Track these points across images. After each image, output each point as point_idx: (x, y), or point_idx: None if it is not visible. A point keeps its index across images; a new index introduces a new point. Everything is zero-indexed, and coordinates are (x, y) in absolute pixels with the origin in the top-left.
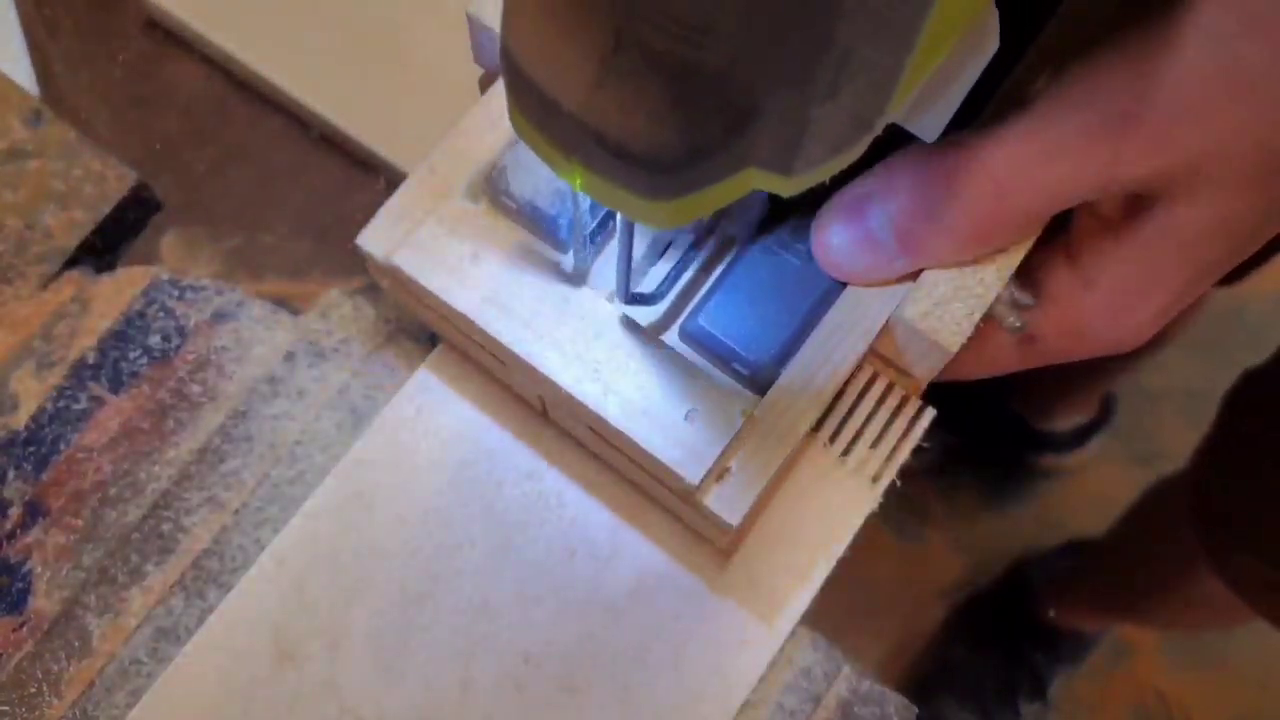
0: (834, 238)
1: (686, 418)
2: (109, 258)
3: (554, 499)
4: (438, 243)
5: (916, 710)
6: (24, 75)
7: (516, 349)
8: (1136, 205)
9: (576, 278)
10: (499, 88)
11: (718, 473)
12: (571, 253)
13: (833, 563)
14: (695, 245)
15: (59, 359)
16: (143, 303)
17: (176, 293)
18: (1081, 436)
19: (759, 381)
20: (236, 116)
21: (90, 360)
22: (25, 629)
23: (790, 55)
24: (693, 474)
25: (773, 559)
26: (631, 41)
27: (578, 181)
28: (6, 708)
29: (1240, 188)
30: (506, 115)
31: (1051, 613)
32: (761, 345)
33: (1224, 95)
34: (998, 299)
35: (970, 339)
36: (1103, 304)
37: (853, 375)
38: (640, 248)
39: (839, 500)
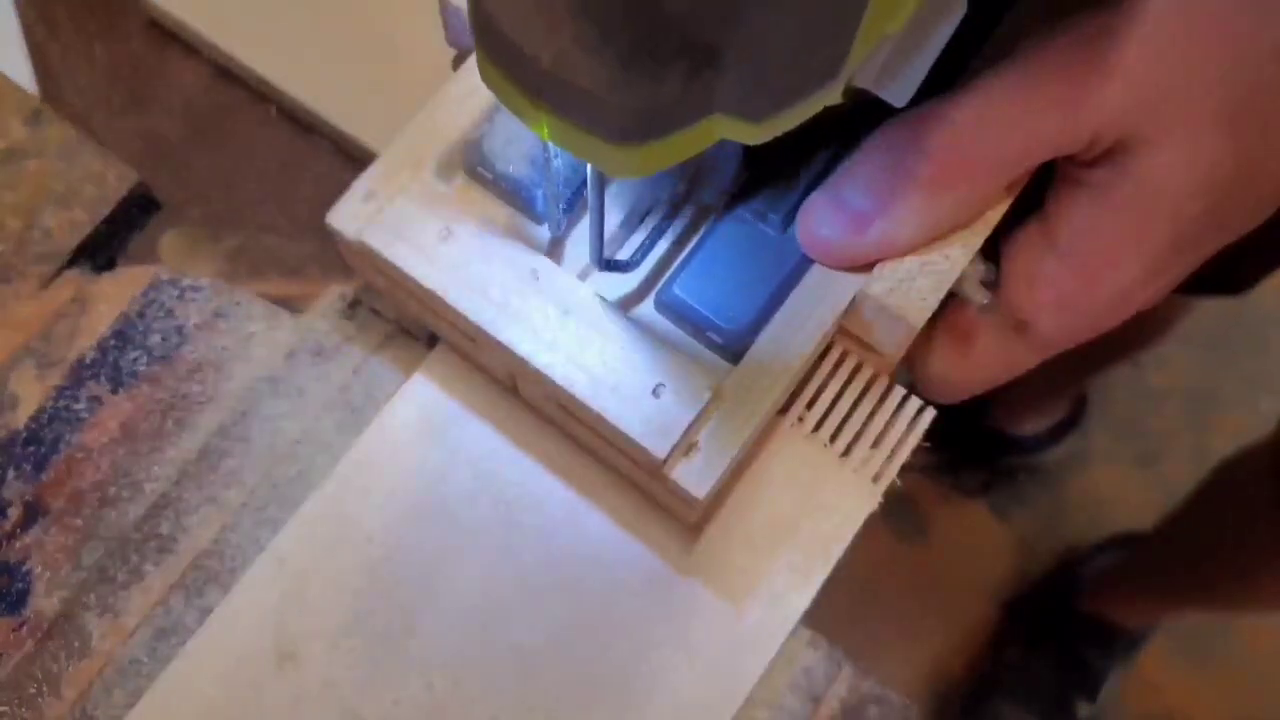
0: (815, 222)
1: (654, 392)
2: (109, 258)
3: (555, 500)
4: (408, 220)
5: (916, 710)
6: (24, 75)
7: (484, 326)
8: (1106, 160)
9: (552, 252)
10: (471, 65)
11: (685, 447)
12: (547, 225)
13: (833, 563)
14: (670, 215)
15: (59, 359)
16: (143, 303)
17: (176, 293)
18: (1056, 435)
19: (733, 350)
20: (236, 116)
21: (90, 360)
22: (25, 629)
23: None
24: (659, 448)
25: (773, 559)
26: None
27: (545, 131)
28: (6, 708)
29: (1210, 128)
30: (478, 92)
31: (1102, 609)
32: (736, 313)
33: (1184, 34)
34: (964, 277)
35: (977, 347)
36: (1080, 269)
37: (824, 355)
38: (616, 217)
39: (839, 500)
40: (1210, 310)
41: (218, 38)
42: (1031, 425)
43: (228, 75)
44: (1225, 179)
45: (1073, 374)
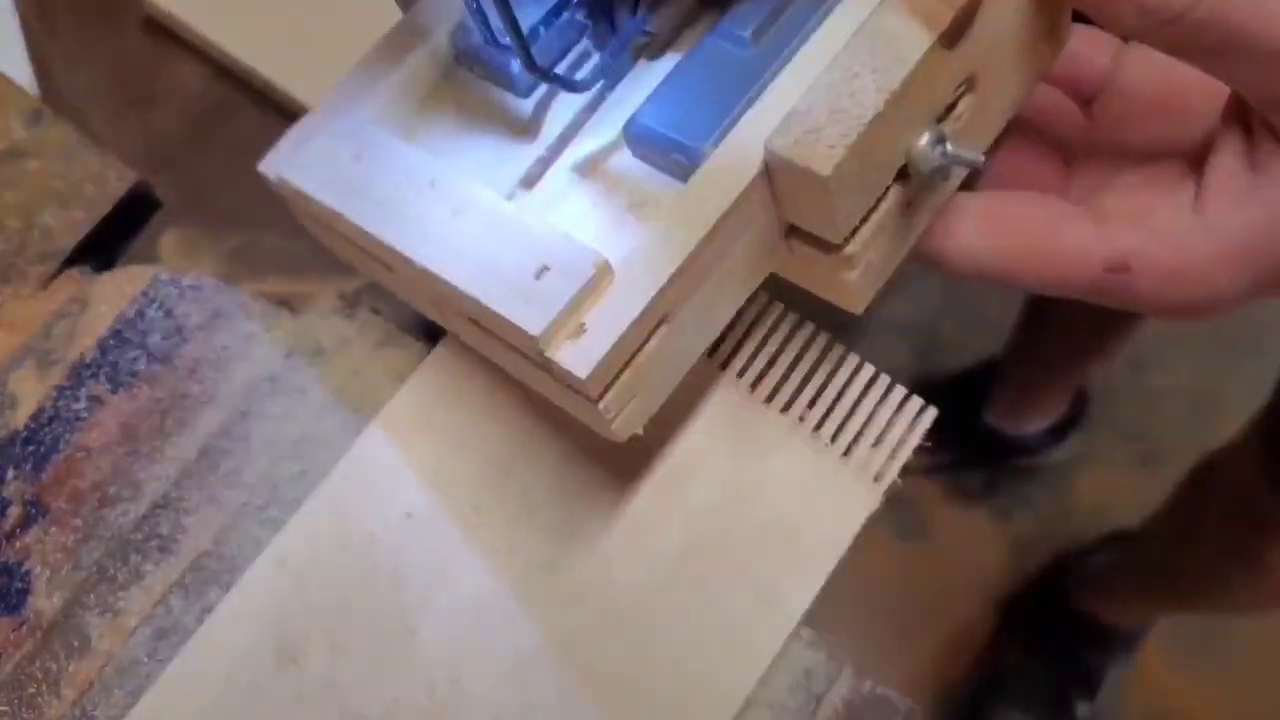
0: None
1: (537, 275)
2: (109, 257)
3: (555, 501)
4: (323, 153)
5: (918, 711)
6: (24, 75)
7: (377, 234)
8: None
9: (534, 122)
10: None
11: (572, 329)
12: (520, 94)
13: (834, 563)
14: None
15: (59, 359)
16: (143, 302)
17: (176, 292)
18: (1056, 436)
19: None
20: (236, 116)
21: (90, 360)
22: (25, 629)
23: None
24: (535, 324)
25: (773, 559)
26: None
27: None
28: (6, 708)
29: None
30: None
31: (1097, 609)
32: (701, 130)
33: None
34: (913, 147)
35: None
36: (1218, 256)
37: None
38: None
39: (840, 500)
40: None
41: (218, 38)
42: (1032, 425)
43: (228, 75)
44: None
45: (1074, 367)
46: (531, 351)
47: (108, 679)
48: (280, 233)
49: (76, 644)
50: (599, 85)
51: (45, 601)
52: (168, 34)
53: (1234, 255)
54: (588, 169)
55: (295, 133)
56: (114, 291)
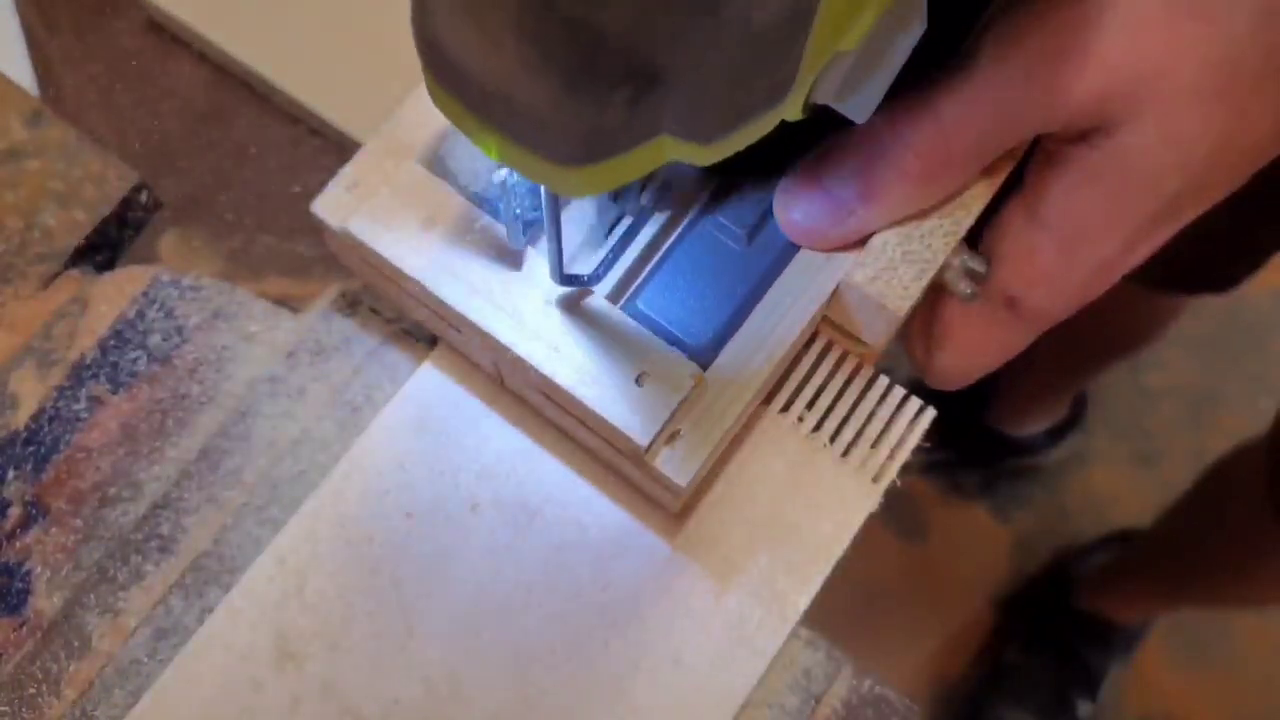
0: (794, 205)
1: (637, 381)
2: (109, 258)
3: (555, 501)
4: (391, 209)
5: (917, 710)
6: (24, 76)
7: (468, 314)
8: (1085, 139)
9: (515, 261)
10: None
11: (668, 435)
12: (512, 243)
13: (833, 563)
14: (634, 226)
15: (59, 359)
16: (143, 302)
17: (177, 292)
18: (1055, 437)
19: (700, 362)
20: (237, 116)
21: (90, 360)
22: (25, 629)
23: (688, 21)
24: (641, 435)
25: (773, 559)
26: (537, 4)
27: (494, 151)
28: (6, 708)
29: (1187, 106)
30: None
31: (1098, 606)
32: (698, 329)
33: (1160, 16)
34: (948, 266)
35: (971, 333)
36: (1059, 242)
37: (811, 345)
38: (578, 232)
39: (839, 500)
40: (1209, 311)
41: (218, 38)
42: (1031, 426)
43: (228, 76)
44: (1202, 154)
45: (1072, 375)
46: (630, 455)
47: (108, 679)
48: (280, 233)
49: (77, 644)
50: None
51: (45, 601)
52: (168, 34)
53: (1073, 234)
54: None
55: (349, 174)
56: (114, 292)
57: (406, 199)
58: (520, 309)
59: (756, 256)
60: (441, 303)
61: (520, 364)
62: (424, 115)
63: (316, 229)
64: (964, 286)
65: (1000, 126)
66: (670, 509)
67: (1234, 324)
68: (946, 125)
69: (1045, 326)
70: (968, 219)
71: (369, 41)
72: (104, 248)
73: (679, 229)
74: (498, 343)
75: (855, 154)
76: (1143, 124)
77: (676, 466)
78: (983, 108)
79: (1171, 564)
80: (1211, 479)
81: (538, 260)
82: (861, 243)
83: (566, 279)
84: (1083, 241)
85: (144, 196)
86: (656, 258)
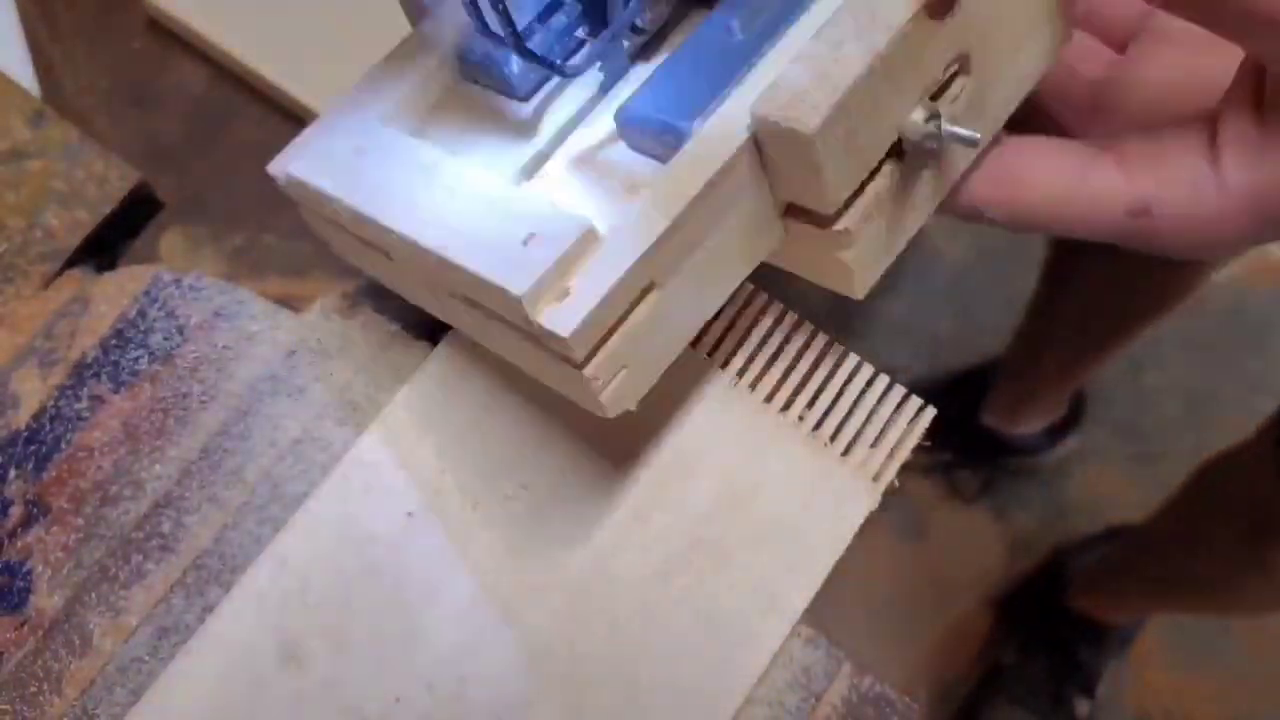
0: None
1: (524, 242)
2: (110, 257)
3: (556, 499)
4: (327, 148)
5: (916, 709)
6: (26, 76)
7: (374, 215)
8: None
9: (532, 124)
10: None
11: (556, 292)
12: (519, 97)
13: (833, 562)
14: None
15: (60, 358)
16: (144, 302)
17: (178, 292)
18: (1054, 436)
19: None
20: (237, 116)
21: (91, 359)
22: (26, 628)
23: None
24: (519, 284)
25: (772, 558)
26: None
27: None
28: (7, 706)
29: None
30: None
31: (1091, 606)
32: (689, 110)
33: None
34: (909, 115)
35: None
36: (1228, 209)
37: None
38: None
39: (838, 499)
40: (1210, 310)
41: (219, 39)
42: (1030, 425)
43: (229, 76)
44: None
45: (1077, 364)
46: (517, 317)
47: (109, 677)
48: (281, 233)
49: (78, 642)
50: (596, 82)
51: (47, 600)
52: (170, 35)
53: (1242, 209)
54: (583, 161)
55: (302, 136)
56: (116, 291)
57: (342, 138)
58: (422, 203)
59: (750, 44)
60: (359, 214)
61: (415, 250)
62: (379, 83)
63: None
64: (931, 128)
65: None
66: (601, 410)
67: (1234, 324)
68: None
69: (1152, 249)
70: (886, 34)
71: (369, 41)
72: (105, 247)
73: (670, 31)
74: (399, 236)
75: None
76: None
77: (562, 319)
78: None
79: (1160, 565)
80: (1200, 480)
81: (447, 163)
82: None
83: (535, 58)
84: (1259, 211)
85: (145, 196)
86: (650, 58)
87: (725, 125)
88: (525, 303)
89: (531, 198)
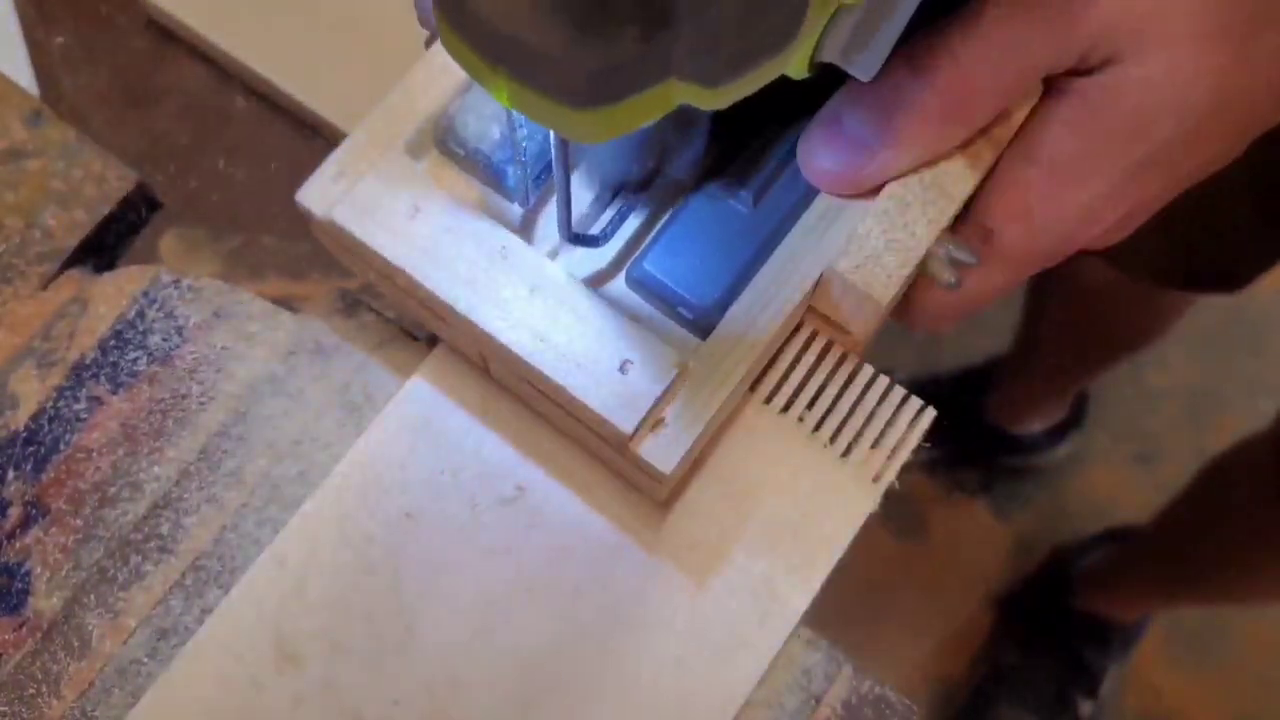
0: (816, 151)
1: (621, 369)
2: (109, 258)
3: (556, 502)
4: (377, 197)
5: (917, 710)
6: (24, 75)
7: (453, 303)
8: (1089, 71)
9: (524, 229)
10: (441, 45)
11: (652, 423)
12: (518, 201)
13: (833, 563)
14: (640, 191)
15: (59, 359)
16: (143, 302)
17: (177, 292)
18: (1056, 436)
19: (702, 326)
20: (236, 116)
21: (90, 360)
22: (25, 629)
23: None
24: (626, 422)
25: (772, 559)
26: None
27: (504, 96)
28: (6, 708)
29: (1187, 46)
30: (448, 72)
31: (1095, 604)
32: (706, 289)
33: None
34: (931, 255)
35: (915, 287)
36: (1046, 176)
37: (796, 336)
38: (587, 193)
39: (839, 500)
40: (1210, 310)
41: (218, 39)
42: (1032, 425)
43: (228, 76)
44: (1200, 101)
45: (1073, 374)
46: (614, 442)
47: (108, 679)
48: (280, 233)
49: (77, 644)
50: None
51: (45, 602)
52: (168, 35)
53: (1059, 171)
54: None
55: (334, 167)
56: (114, 292)
57: (392, 186)
58: (505, 297)
59: (764, 218)
60: (427, 291)
61: (504, 353)
62: (409, 104)
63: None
64: (948, 275)
65: (1015, 62)
66: (656, 497)
67: (1234, 324)
68: (963, 63)
69: (1018, 270)
70: (951, 206)
71: (369, 41)
72: (104, 248)
73: (686, 194)
74: (482, 332)
75: (875, 97)
76: (1142, 60)
77: (661, 454)
78: (998, 43)
79: (1169, 561)
80: (1211, 475)
81: (524, 248)
82: (876, 191)
83: (575, 237)
84: (1070, 178)
85: (144, 196)
86: (663, 221)
87: (752, 315)
88: (632, 441)
89: (615, 310)
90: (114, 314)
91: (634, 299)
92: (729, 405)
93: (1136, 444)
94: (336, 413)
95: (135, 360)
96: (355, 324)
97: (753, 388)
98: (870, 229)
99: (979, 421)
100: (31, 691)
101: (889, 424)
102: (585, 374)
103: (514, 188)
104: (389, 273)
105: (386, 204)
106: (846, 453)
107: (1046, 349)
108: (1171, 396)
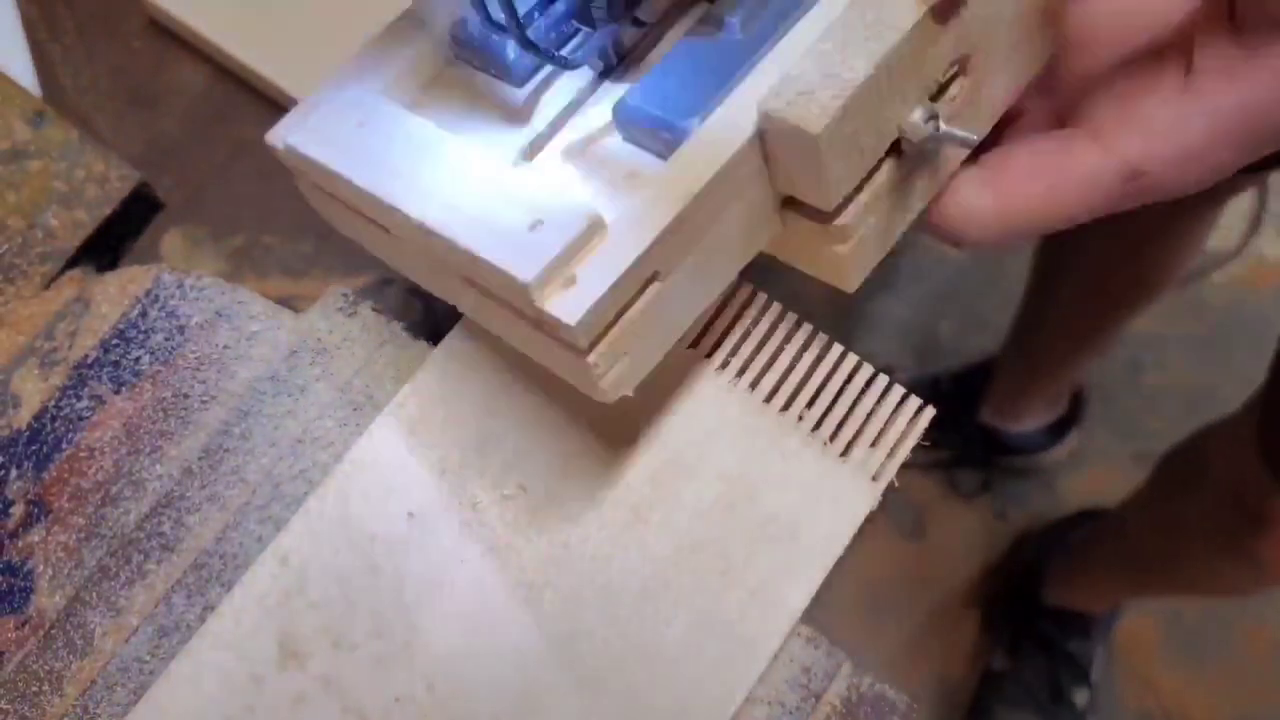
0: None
1: (531, 228)
2: (111, 257)
3: (555, 499)
4: (328, 120)
5: (917, 708)
6: (26, 76)
7: (374, 190)
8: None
9: (527, 108)
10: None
11: (563, 280)
12: (520, 82)
13: (832, 562)
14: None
15: (61, 358)
16: (145, 302)
17: (179, 292)
18: (1055, 434)
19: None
20: (237, 116)
21: (92, 359)
22: (27, 627)
23: None
24: (526, 271)
25: (772, 558)
26: None
27: None
28: (8, 706)
29: None
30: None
31: (1069, 600)
32: (686, 111)
33: None
34: (909, 115)
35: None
36: (1218, 134)
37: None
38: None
39: (838, 499)
40: (1210, 310)
41: (219, 39)
42: (1029, 423)
43: (229, 76)
44: None
45: (1068, 368)
46: (523, 303)
47: (110, 677)
48: (281, 233)
49: (79, 642)
50: (592, 73)
51: (48, 600)
52: (170, 35)
53: (1232, 129)
54: (580, 148)
55: (300, 106)
56: (116, 291)
57: (343, 110)
58: (425, 181)
59: (750, 43)
60: (358, 189)
61: (421, 230)
62: (379, 53)
63: (318, 229)
64: (928, 127)
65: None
66: (601, 396)
67: (1234, 324)
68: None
69: (1154, 199)
70: (894, 36)
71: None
72: (106, 247)
73: (668, 27)
74: (405, 216)
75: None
76: None
77: (568, 307)
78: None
79: (1136, 553)
80: (1177, 463)
81: (451, 141)
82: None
83: (535, 49)
84: (1246, 134)
85: (146, 196)
86: (647, 57)
87: (730, 121)
88: (532, 290)
89: (534, 182)
90: (116, 313)
91: (632, 154)
92: (648, 266)
93: (1136, 443)
94: (338, 412)
95: (137, 359)
96: (357, 323)
97: (752, 386)
98: (805, 68)
99: (976, 422)
100: (34, 689)
101: (888, 423)
102: (492, 234)
103: (515, 62)
104: (332, 183)
105: (334, 122)
106: (846, 452)
107: (1052, 333)
108: (1169, 396)
